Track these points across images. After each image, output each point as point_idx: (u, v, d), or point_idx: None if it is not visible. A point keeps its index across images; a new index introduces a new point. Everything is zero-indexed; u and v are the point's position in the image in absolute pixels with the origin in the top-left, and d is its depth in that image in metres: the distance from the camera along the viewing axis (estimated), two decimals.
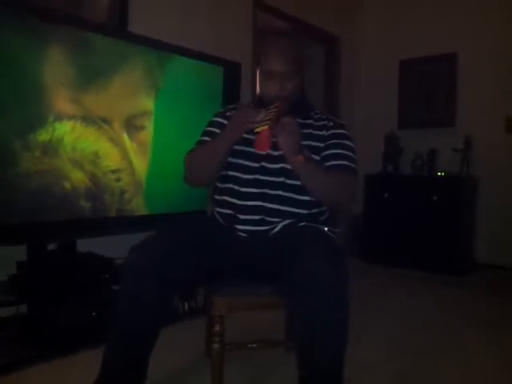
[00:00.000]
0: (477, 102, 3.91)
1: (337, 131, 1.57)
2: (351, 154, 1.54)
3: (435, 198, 3.75)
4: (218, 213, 1.57)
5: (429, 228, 3.76)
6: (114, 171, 2.24)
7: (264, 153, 1.40)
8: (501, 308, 2.84)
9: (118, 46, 2.23)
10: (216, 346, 1.47)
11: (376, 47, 4.50)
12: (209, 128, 1.65)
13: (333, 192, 1.47)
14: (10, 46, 1.82)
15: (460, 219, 3.71)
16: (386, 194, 4.02)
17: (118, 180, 2.26)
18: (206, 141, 1.60)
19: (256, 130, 1.34)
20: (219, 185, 1.58)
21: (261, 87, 1.57)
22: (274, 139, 1.36)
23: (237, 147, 1.51)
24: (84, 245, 2.25)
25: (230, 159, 1.53)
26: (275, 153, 1.44)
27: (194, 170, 1.58)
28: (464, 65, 3.99)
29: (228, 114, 1.64)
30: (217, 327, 1.47)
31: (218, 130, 1.60)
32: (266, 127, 1.32)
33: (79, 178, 2.09)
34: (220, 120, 1.64)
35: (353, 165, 1.52)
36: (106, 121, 2.18)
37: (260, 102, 1.58)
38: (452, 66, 4.04)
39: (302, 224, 1.48)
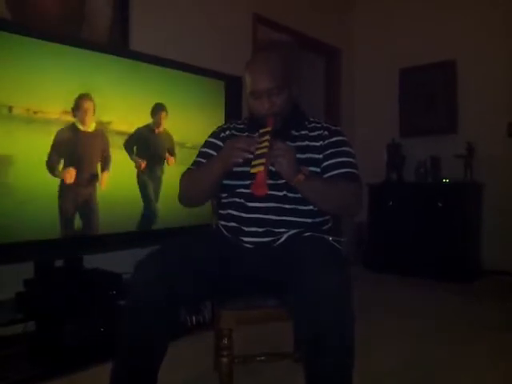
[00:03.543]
0: (478, 107, 3.93)
1: (333, 139, 1.54)
2: (351, 160, 1.52)
3: (440, 204, 3.74)
4: (223, 226, 1.58)
5: (434, 235, 3.75)
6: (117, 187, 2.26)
7: (263, 195, 1.35)
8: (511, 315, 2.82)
9: (120, 64, 2.27)
10: (224, 359, 1.47)
11: (375, 57, 4.54)
12: (203, 149, 1.65)
13: (340, 202, 1.46)
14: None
15: (465, 225, 3.70)
16: (391, 203, 4.02)
17: (122, 196, 2.29)
18: (200, 162, 1.60)
19: (252, 171, 1.32)
20: (224, 200, 1.59)
21: (250, 107, 1.56)
22: (272, 168, 1.35)
23: (241, 169, 1.47)
24: (91, 261, 2.26)
25: (234, 181, 1.52)
26: (274, 168, 1.41)
27: (188, 192, 1.59)
28: (464, 71, 4.01)
29: (222, 134, 1.63)
30: (225, 341, 1.47)
31: (212, 152, 1.60)
32: (261, 168, 1.29)
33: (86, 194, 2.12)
34: (214, 141, 1.63)
35: (354, 170, 1.50)
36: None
37: (252, 120, 1.58)
38: (452, 73, 4.06)
39: (308, 234, 1.48)
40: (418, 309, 2.94)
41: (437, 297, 3.23)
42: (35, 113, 1.96)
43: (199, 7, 3.14)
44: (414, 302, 3.11)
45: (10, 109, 1.89)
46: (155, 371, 1.34)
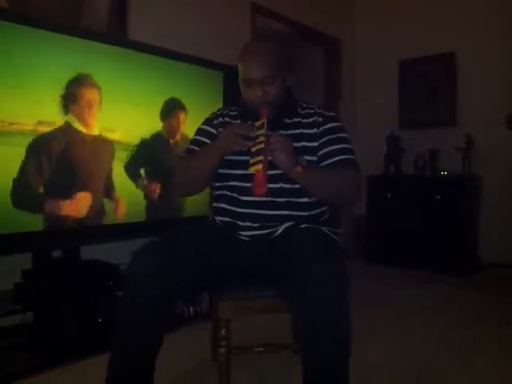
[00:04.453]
0: (477, 100, 3.91)
1: (328, 126, 1.52)
2: (347, 146, 1.50)
3: (438, 197, 3.74)
4: (218, 220, 1.57)
5: (432, 228, 3.76)
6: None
7: (263, 195, 1.35)
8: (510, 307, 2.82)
9: (118, 53, 2.25)
10: (222, 350, 1.47)
11: (375, 48, 4.51)
12: (197, 137, 1.62)
13: (339, 191, 1.45)
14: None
15: (464, 218, 3.71)
16: (389, 195, 4.02)
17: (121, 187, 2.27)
18: (193, 150, 1.58)
19: (250, 171, 1.30)
20: (217, 192, 1.58)
21: (243, 95, 1.53)
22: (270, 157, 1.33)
23: (233, 157, 1.47)
24: (88, 252, 2.25)
25: (226, 170, 1.51)
26: (269, 158, 1.39)
27: (185, 181, 1.57)
28: (463, 63, 3.99)
29: (215, 121, 1.61)
30: (223, 331, 1.47)
31: (205, 139, 1.58)
32: (259, 167, 1.28)
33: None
34: (207, 128, 1.61)
35: (352, 157, 1.48)
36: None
37: (245, 108, 1.56)
38: (451, 65, 4.04)
39: (304, 226, 1.47)
40: (416, 302, 2.94)
41: (436, 289, 3.23)
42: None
43: None
44: (413, 294, 3.12)
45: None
46: (152, 362, 1.35)
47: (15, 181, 1.67)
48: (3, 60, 1.76)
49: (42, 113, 1.78)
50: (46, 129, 1.76)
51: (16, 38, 1.83)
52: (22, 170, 1.68)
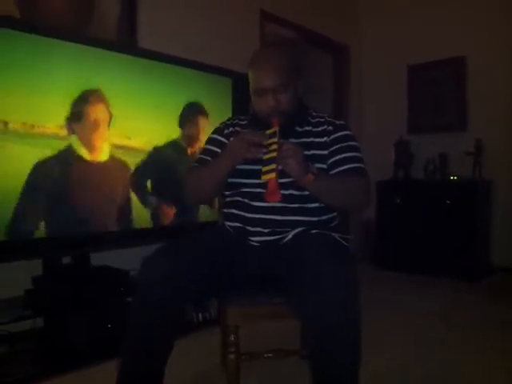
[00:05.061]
0: (487, 104, 3.89)
1: (338, 134, 1.53)
2: (357, 154, 1.51)
3: (448, 202, 3.71)
4: (228, 226, 1.57)
5: (443, 233, 3.73)
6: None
7: (276, 202, 1.36)
8: None
9: (126, 62, 2.27)
10: (231, 356, 1.47)
11: (383, 53, 4.51)
12: (207, 146, 1.63)
13: (349, 199, 1.45)
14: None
15: (474, 223, 3.67)
16: (399, 200, 4.00)
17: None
18: (205, 159, 1.58)
19: (264, 178, 1.31)
20: (228, 198, 1.58)
21: (254, 105, 1.53)
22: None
23: (244, 167, 1.47)
24: (99, 258, 2.27)
25: (238, 179, 1.51)
26: (280, 167, 1.40)
27: (196, 191, 1.58)
28: (473, 68, 3.97)
29: (226, 131, 1.61)
30: (232, 337, 1.47)
31: (216, 149, 1.58)
32: (273, 175, 1.29)
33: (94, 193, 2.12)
34: (218, 138, 1.62)
35: (361, 165, 1.49)
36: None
37: (255, 119, 1.56)
38: (461, 70, 4.02)
39: (314, 232, 1.46)
40: (424, 307, 2.91)
41: (443, 294, 3.20)
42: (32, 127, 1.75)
43: (207, 4, 3.13)
44: (421, 299, 3.09)
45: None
46: (161, 368, 1.35)
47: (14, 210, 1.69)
48: (24, 66, 1.81)
49: (62, 117, 1.85)
50: (65, 133, 1.82)
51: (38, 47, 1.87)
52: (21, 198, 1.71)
